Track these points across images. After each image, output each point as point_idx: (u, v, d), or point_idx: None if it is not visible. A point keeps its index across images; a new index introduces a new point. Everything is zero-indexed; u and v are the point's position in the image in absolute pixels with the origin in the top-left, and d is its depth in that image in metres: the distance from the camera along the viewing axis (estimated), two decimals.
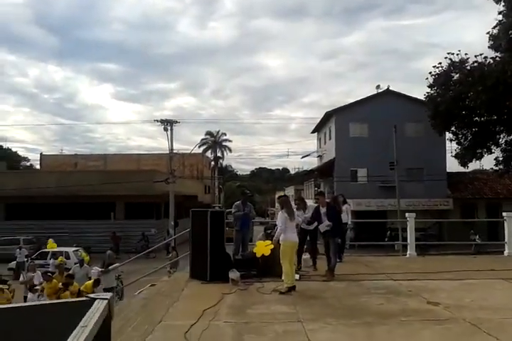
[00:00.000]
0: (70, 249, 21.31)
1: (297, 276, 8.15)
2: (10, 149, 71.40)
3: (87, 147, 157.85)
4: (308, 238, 9.20)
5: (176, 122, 29.59)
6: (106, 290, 12.06)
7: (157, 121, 29.04)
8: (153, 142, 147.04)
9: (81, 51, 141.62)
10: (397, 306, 6.16)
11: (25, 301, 10.94)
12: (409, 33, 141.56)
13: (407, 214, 11.82)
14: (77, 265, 13.43)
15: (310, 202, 10.55)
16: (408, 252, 11.73)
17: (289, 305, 6.22)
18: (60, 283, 10.93)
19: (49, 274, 11.38)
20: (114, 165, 47.06)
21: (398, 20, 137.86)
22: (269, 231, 9.20)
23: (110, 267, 12.05)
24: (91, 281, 11.53)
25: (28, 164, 72.34)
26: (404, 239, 21.26)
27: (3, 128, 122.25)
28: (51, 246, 21.12)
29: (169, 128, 29.03)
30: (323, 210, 8.50)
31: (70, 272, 13.19)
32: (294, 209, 8.16)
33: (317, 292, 7.13)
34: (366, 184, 31.27)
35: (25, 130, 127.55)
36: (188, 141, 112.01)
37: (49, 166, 46.87)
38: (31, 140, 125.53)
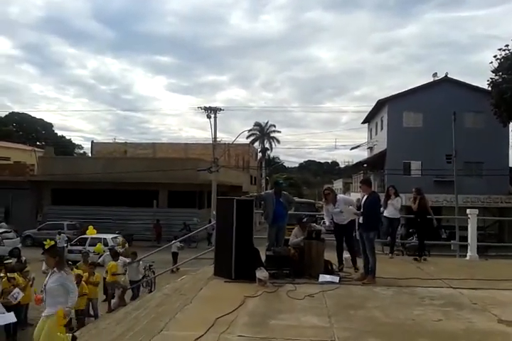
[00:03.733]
0: (109, 236, 20.95)
1: (337, 279, 7.01)
2: (64, 137, 73.62)
3: (142, 137, 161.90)
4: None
5: (220, 110, 28.73)
6: (132, 282, 11.41)
7: (200, 108, 28.31)
8: (204, 133, 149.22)
9: (136, 44, 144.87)
10: (459, 324, 4.89)
11: None
12: (467, 25, 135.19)
13: (468, 211, 10.31)
14: (108, 253, 12.80)
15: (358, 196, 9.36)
16: (468, 254, 10.23)
17: (323, 317, 5.09)
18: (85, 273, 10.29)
19: (69, 263, 10.75)
20: (162, 153, 47.33)
21: (455, 11, 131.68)
22: (303, 221, 8.08)
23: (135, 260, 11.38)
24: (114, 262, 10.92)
25: (82, 152, 74.39)
26: (462, 238, 19.49)
27: (63, 118, 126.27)
28: (91, 232, 20.84)
29: (212, 115, 28.20)
30: (363, 199, 7.30)
31: (100, 260, 12.64)
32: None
33: (359, 300, 5.94)
34: (420, 178, 29.09)
35: (83, 120, 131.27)
36: (238, 133, 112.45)
37: (100, 153, 47.66)
38: (89, 129, 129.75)
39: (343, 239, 8.05)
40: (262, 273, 6.59)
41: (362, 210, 7.23)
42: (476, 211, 10.29)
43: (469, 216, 10.19)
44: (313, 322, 4.91)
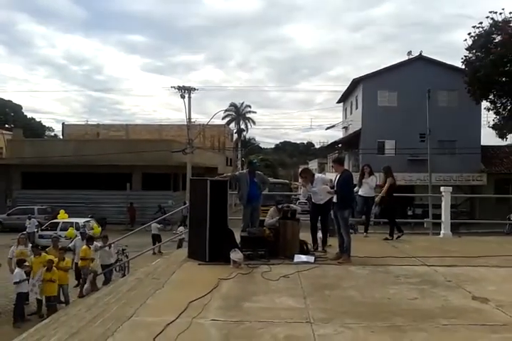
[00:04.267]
0: (81, 220, 20.49)
1: (312, 259, 6.94)
2: (34, 119, 71.47)
3: (115, 119, 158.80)
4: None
5: (195, 89, 28.17)
6: (104, 267, 11.16)
7: (174, 87, 27.67)
8: (179, 114, 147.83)
9: (108, 23, 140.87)
10: (434, 302, 4.85)
11: None
12: (440, 4, 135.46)
13: (442, 189, 10.34)
14: (79, 238, 12.50)
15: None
16: (442, 232, 10.29)
17: (298, 298, 4.98)
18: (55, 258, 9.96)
19: (39, 247, 10.43)
20: (135, 135, 46.57)
21: None
22: (280, 206, 7.93)
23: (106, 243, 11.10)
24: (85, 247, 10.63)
25: (53, 134, 72.56)
26: (435, 216, 19.79)
27: (34, 100, 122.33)
28: (62, 217, 20.43)
29: (186, 95, 27.65)
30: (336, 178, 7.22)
31: (70, 245, 12.34)
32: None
33: (334, 279, 5.86)
34: (394, 157, 29.29)
35: (54, 101, 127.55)
36: (214, 114, 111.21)
37: (71, 136, 46.55)
38: (61, 112, 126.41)
39: (317, 219, 7.96)
40: (236, 255, 6.45)
41: (335, 189, 7.12)
42: (450, 189, 10.33)
43: (443, 193, 10.23)
44: (288, 303, 4.80)
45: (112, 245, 11.33)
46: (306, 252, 7.26)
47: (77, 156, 28.18)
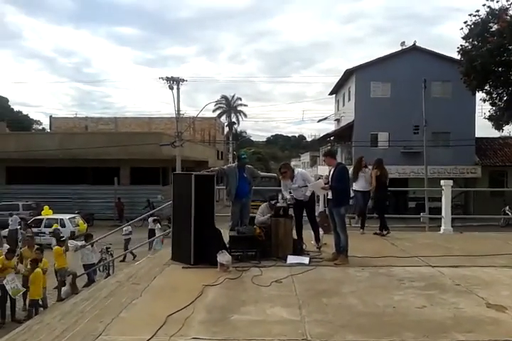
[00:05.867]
0: (66, 216, 19.76)
1: (307, 260, 6.38)
2: (21, 112, 70.14)
3: (105, 112, 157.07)
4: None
5: (183, 80, 27.38)
6: (86, 266, 10.54)
7: (162, 78, 26.87)
8: (171, 107, 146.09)
9: (98, 14, 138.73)
10: (445, 312, 4.31)
11: None
12: None
13: (442, 182, 9.81)
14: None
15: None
16: (443, 227, 9.77)
17: (292, 307, 4.42)
18: (29, 259, 9.28)
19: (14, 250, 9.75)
20: (125, 128, 45.77)
21: None
22: (273, 202, 7.35)
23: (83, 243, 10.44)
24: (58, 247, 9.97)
25: (41, 127, 71.39)
26: (433, 210, 19.29)
27: (23, 93, 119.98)
28: (46, 213, 19.72)
29: (175, 87, 26.85)
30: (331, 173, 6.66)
31: (52, 245, 11.70)
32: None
33: (332, 284, 5.31)
34: (387, 149, 28.75)
35: (44, 95, 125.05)
36: (206, 108, 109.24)
37: (59, 129, 45.66)
38: (50, 105, 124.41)
39: (302, 216, 7.43)
40: (224, 258, 5.87)
41: (330, 184, 6.56)
42: (451, 182, 9.81)
43: (443, 187, 9.70)
44: (281, 315, 4.24)
45: (95, 244, 10.70)
46: (300, 252, 6.72)
47: (63, 150, 27.36)
